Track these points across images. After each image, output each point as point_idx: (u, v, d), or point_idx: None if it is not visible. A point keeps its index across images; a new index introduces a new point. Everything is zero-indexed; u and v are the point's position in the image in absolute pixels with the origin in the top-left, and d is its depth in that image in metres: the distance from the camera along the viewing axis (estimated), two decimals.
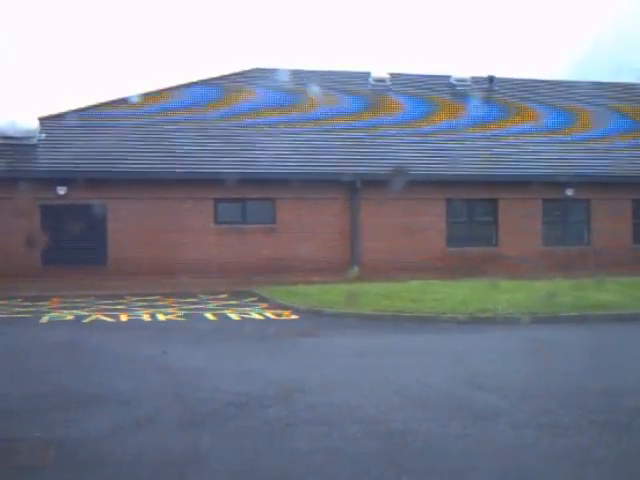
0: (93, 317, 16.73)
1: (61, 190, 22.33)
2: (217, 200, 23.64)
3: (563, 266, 23.18)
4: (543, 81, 31.47)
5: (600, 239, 25.76)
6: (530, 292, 17.96)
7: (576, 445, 6.74)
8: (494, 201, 25.52)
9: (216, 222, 23.68)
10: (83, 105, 25.54)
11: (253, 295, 20.67)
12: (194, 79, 27.71)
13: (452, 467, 6.21)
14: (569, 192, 25.55)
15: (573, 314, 15.39)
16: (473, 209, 25.89)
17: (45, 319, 16.49)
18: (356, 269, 23.65)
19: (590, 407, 8.00)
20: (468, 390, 8.99)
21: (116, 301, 19.56)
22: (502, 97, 29.78)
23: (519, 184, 25.10)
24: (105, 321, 16.24)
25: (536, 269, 22.29)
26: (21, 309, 18.23)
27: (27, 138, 23.26)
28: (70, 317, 16.77)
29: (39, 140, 23.52)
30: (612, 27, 60.77)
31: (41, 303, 19.14)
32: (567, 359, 11.25)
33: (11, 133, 23.03)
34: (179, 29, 66.44)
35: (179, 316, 16.89)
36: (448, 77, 30.39)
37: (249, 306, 18.65)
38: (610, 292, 17.72)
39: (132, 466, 6.27)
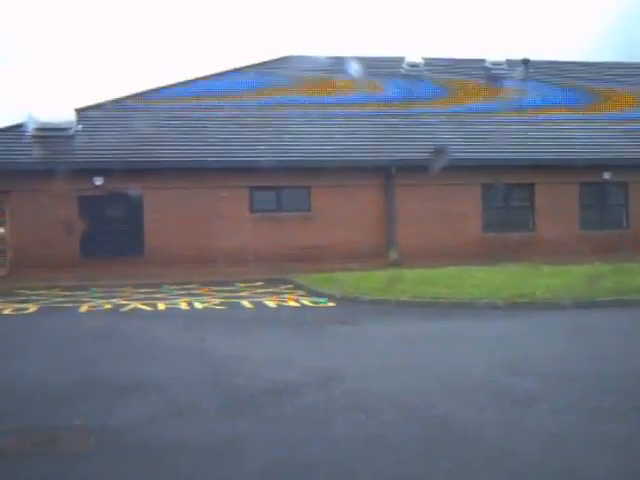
0: (131, 306, 16.88)
1: (98, 181, 22.50)
2: (252, 188, 23.70)
3: (601, 250, 22.94)
4: (579, 63, 31.01)
5: (638, 222, 25.46)
6: (568, 277, 17.80)
7: (616, 431, 6.67)
8: (531, 185, 25.31)
9: (252, 210, 23.74)
10: (119, 96, 25.69)
11: (289, 283, 20.69)
12: (228, 67, 27.74)
13: (491, 453, 6.18)
14: (607, 175, 25.28)
15: (612, 299, 15.17)
16: (509, 194, 25.67)
17: (84, 308, 16.67)
18: (392, 255, 23.59)
19: (630, 392, 7.92)
20: (507, 375, 8.93)
21: (154, 290, 19.72)
22: (537, 80, 29.45)
23: (556, 168, 24.85)
24: (143, 310, 16.37)
25: (574, 253, 22.09)
26: (60, 299, 18.44)
27: (64, 129, 23.43)
28: (109, 306, 16.94)
29: (76, 131, 23.70)
30: None
31: (80, 292, 19.35)
32: (606, 344, 11.12)
33: (48, 125, 23.23)
34: (213, 18, 66.52)
35: (216, 304, 16.98)
36: (483, 61, 30.05)
37: (285, 294, 18.68)
38: None
39: (172, 453, 6.32)
